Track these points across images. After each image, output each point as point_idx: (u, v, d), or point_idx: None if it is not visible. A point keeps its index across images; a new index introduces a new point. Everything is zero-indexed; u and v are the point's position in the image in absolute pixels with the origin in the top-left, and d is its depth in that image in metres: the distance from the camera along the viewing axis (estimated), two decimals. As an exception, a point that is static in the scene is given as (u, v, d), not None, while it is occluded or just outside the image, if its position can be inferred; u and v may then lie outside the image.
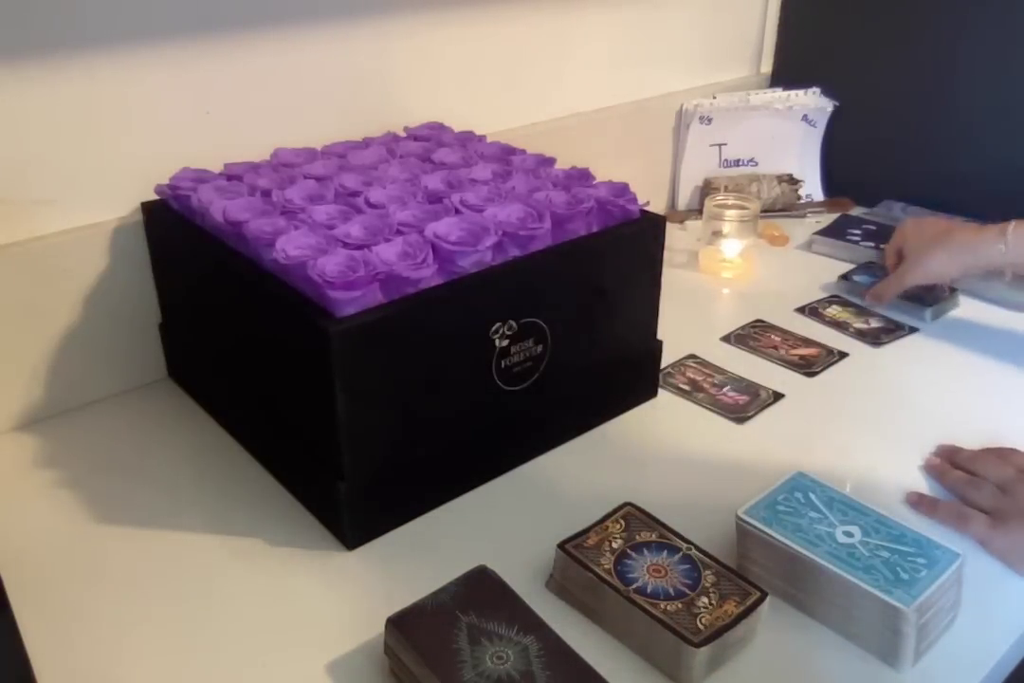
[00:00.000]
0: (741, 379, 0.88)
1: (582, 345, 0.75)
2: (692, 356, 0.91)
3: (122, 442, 0.79)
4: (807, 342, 0.94)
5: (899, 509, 0.69)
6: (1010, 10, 1.08)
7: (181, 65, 0.80)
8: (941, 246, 0.93)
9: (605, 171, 0.80)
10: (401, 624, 0.53)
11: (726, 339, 0.95)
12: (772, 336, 0.95)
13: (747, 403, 0.84)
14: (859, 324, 0.98)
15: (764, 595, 0.56)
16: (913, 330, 0.97)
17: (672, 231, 1.06)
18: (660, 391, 0.85)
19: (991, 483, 0.69)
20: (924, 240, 0.95)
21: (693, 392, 0.86)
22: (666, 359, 0.86)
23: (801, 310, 1.01)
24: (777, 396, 0.85)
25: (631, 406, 0.83)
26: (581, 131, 1.12)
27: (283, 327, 0.65)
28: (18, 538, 0.68)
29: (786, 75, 1.33)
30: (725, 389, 0.86)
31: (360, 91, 0.93)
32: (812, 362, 0.90)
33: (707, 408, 0.83)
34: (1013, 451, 0.72)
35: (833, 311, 1.01)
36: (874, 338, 0.95)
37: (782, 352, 0.92)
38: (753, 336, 0.96)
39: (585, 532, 0.62)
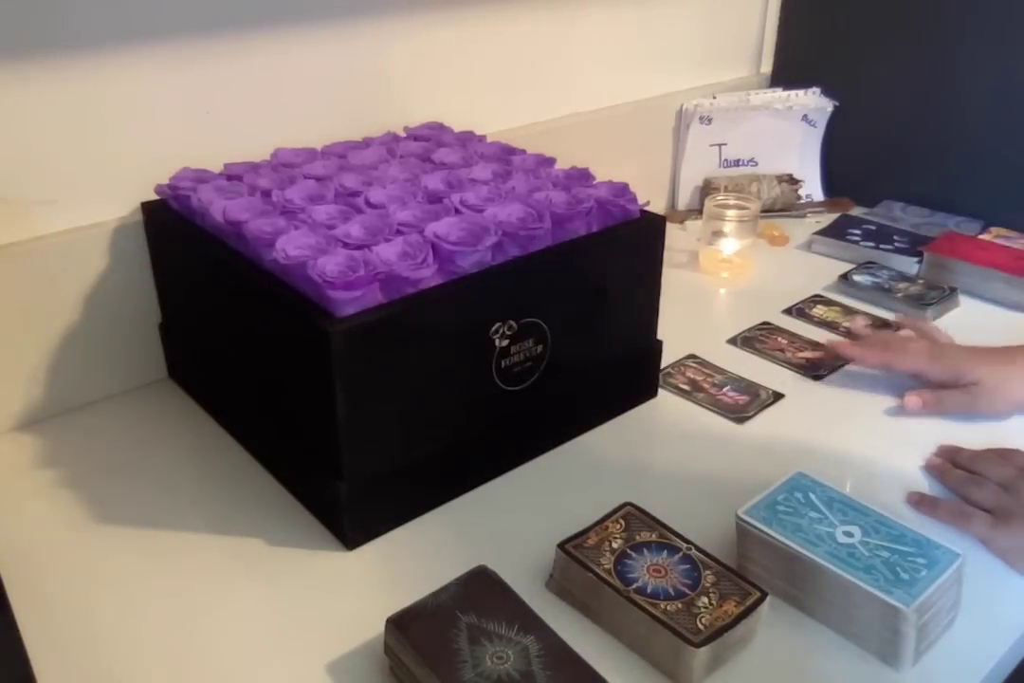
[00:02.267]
0: (741, 379, 0.87)
1: (582, 345, 0.75)
2: (692, 356, 0.91)
3: (122, 442, 0.79)
4: (813, 345, 0.93)
5: (899, 509, 0.69)
6: (1010, 10, 1.08)
7: (181, 65, 0.80)
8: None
9: (605, 171, 0.80)
10: (401, 624, 0.53)
11: (732, 341, 0.95)
12: (779, 338, 0.95)
13: (747, 403, 0.84)
14: (847, 323, 0.97)
15: (764, 595, 0.56)
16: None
17: (672, 231, 1.05)
18: (660, 391, 0.85)
19: (993, 482, 0.68)
20: (993, 364, 0.80)
21: (693, 392, 0.86)
22: (666, 359, 0.86)
23: (788, 312, 1.01)
24: (777, 396, 0.85)
25: (631, 406, 0.83)
26: (581, 131, 1.12)
27: (283, 327, 0.65)
28: (18, 538, 0.68)
29: (786, 75, 1.33)
30: (725, 389, 0.86)
31: (360, 91, 0.93)
32: (818, 365, 0.90)
33: (707, 408, 0.83)
34: (1014, 451, 0.72)
35: (819, 311, 1.01)
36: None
37: (788, 355, 0.92)
38: (760, 338, 0.95)
39: (585, 532, 0.62)
